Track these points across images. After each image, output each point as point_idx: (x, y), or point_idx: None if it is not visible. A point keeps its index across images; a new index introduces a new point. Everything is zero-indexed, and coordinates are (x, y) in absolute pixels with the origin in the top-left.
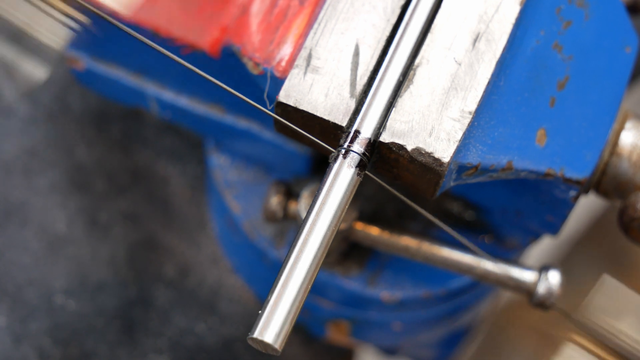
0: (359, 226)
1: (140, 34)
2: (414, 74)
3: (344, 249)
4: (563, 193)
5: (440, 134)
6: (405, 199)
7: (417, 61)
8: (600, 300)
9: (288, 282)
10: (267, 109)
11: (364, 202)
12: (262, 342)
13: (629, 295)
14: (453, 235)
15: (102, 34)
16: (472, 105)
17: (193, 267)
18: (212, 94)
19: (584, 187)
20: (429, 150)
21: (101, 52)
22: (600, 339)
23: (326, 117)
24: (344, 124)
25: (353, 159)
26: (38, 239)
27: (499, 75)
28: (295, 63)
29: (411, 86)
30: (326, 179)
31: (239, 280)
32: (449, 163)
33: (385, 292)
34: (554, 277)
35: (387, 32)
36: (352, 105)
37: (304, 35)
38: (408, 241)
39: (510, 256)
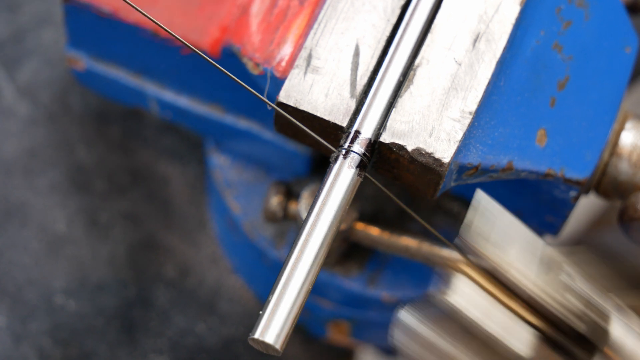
0: (360, 226)
1: (140, 33)
2: (414, 74)
3: (344, 250)
4: (563, 193)
5: (441, 134)
6: (399, 202)
7: (417, 61)
8: (484, 229)
9: (289, 282)
10: (268, 108)
11: (364, 203)
12: (263, 343)
13: (515, 226)
14: (445, 241)
15: (102, 34)
16: (473, 106)
17: (193, 267)
18: (212, 94)
19: (584, 188)
20: (429, 150)
21: (101, 52)
22: (489, 271)
23: (326, 118)
24: (344, 124)
25: (353, 159)
26: (38, 239)
27: (499, 76)
28: (296, 63)
29: (411, 86)
30: (326, 180)
31: (239, 281)
32: (449, 163)
33: (386, 293)
34: None
35: (387, 32)
36: (353, 105)
37: (304, 35)
38: (408, 241)
39: None
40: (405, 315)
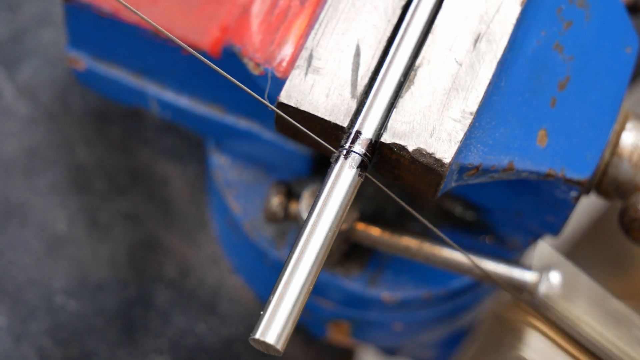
0: (360, 227)
1: (141, 33)
2: (415, 75)
3: (344, 250)
4: (564, 193)
5: (442, 134)
6: (400, 201)
7: (418, 62)
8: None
9: (290, 282)
10: (268, 109)
11: (365, 203)
12: (264, 343)
13: (580, 277)
14: (448, 242)
15: (103, 34)
16: (473, 106)
17: (193, 267)
18: (213, 94)
19: (584, 188)
20: (430, 150)
21: (102, 52)
22: (560, 326)
23: (327, 118)
24: (345, 125)
25: (354, 159)
26: (38, 239)
27: (500, 76)
28: (296, 63)
29: (412, 87)
30: (327, 180)
31: (239, 281)
32: (450, 164)
33: (386, 293)
34: (554, 278)
35: (388, 33)
36: (353, 105)
37: (304, 35)
38: (409, 241)
39: (511, 256)
40: None
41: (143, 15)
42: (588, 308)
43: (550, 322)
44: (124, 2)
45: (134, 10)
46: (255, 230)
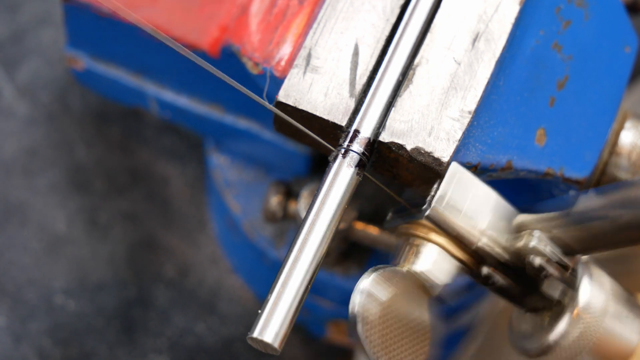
0: (359, 226)
1: (140, 33)
2: (414, 74)
3: (343, 249)
4: (562, 193)
5: (440, 133)
6: (399, 199)
7: (416, 61)
8: (454, 195)
9: (288, 281)
10: (267, 108)
11: (364, 202)
12: (261, 342)
13: (481, 189)
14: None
15: (102, 34)
16: (472, 105)
17: (193, 267)
18: (212, 94)
19: (583, 187)
20: (428, 149)
21: (101, 51)
22: (460, 238)
23: (325, 117)
24: (343, 124)
25: (352, 158)
26: (38, 239)
27: (499, 75)
28: (295, 63)
29: (411, 86)
30: (325, 179)
31: (239, 280)
32: (448, 162)
33: None
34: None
35: (386, 32)
36: (352, 104)
37: (303, 34)
38: None
39: None
40: (369, 282)
41: (139, 18)
42: (492, 224)
43: (450, 236)
44: (110, 6)
45: (130, 12)
46: (255, 230)
